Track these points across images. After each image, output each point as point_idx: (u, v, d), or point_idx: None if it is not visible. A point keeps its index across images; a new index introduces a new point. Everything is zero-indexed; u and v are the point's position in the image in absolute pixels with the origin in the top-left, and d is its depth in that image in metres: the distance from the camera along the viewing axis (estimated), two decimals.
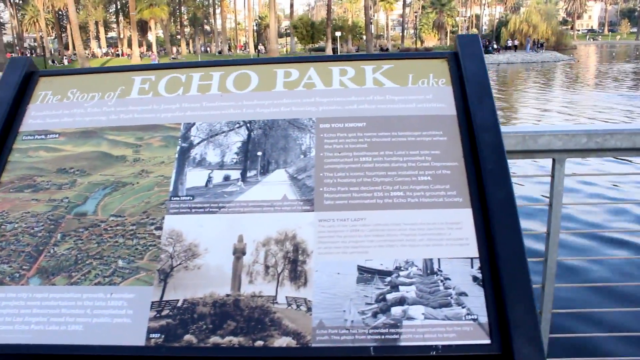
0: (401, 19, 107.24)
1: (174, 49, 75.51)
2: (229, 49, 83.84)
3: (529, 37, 66.61)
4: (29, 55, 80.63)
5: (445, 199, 1.25)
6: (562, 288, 2.96)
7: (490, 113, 1.35)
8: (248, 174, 1.35)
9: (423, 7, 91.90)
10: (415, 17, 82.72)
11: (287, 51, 76.18)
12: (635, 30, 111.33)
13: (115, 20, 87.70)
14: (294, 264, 1.16)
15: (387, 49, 71.28)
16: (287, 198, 1.28)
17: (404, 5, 66.15)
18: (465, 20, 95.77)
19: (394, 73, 1.54)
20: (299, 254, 1.18)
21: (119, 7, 78.06)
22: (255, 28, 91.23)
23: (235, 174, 1.36)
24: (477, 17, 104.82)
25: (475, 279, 1.13)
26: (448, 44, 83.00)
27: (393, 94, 1.48)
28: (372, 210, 1.25)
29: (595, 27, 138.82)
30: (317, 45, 71.75)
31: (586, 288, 4.66)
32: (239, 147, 1.42)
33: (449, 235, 1.21)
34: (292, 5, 78.70)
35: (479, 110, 1.36)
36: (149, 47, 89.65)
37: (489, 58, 54.52)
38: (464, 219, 1.23)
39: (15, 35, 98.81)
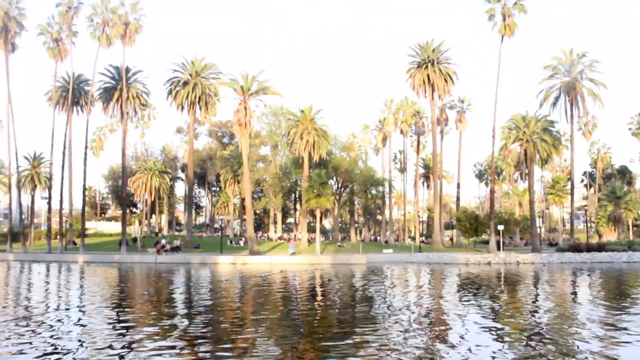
0: (579, 211, 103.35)
1: (340, 236, 79.08)
2: (396, 239, 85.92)
3: None
4: (216, 234, 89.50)
5: None
6: None
7: None
8: None
9: (599, 199, 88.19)
10: (585, 210, 79.39)
11: (452, 243, 76.19)
12: None
13: (293, 207, 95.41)
14: None
15: (557, 244, 68.29)
16: None
17: (572, 199, 63.98)
18: None
19: None
20: None
21: (297, 196, 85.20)
22: (424, 219, 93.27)
23: None
24: None
25: None
26: (631, 237, 77.49)
27: None
28: None
29: None
30: (481, 238, 70.86)
31: None
32: None
33: None
34: (458, 199, 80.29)
35: None
36: (324, 233, 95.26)
37: None
38: None
39: (208, 217, 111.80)
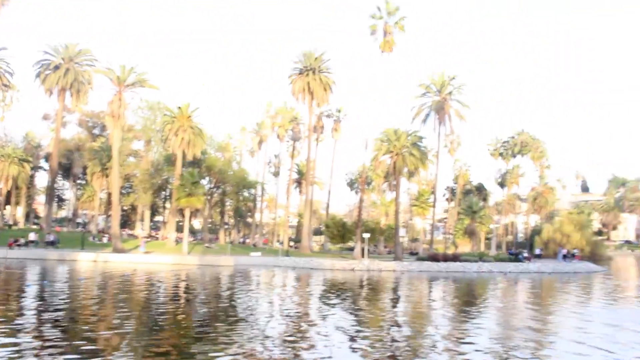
0: (440, 223, 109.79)
1: (209, 237, 77.90)
2: (264, 243, 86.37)
3: (561, 247, 66.72)
4: (79, 229, 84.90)
5: None
6: None
7: None
8: None
9: (458, 213, 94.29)
10: (445, 223, 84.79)
11: (320, 249, 77.90)
12: None
13: (163, 205, 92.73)
14: None
15: (417, 253, 72.20)
16: None
17: (434, 212, 68.17)
18: (498, 228, 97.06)
19: None
20: None
21: (167, 193, 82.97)
22: (294, 224, 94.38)
23: None
24: (514, 224, 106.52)
25: None
26: (482, 249, 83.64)
27: None
28: None
29: (633, 238, 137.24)
30: (347, 245, 73.13)
31: None
32: None
33: None
34: (328, 206, 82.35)
35: None
36: (193, 233, 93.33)
37: (518, 266, 54.22)
38: None
39: (72, 211, 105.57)
